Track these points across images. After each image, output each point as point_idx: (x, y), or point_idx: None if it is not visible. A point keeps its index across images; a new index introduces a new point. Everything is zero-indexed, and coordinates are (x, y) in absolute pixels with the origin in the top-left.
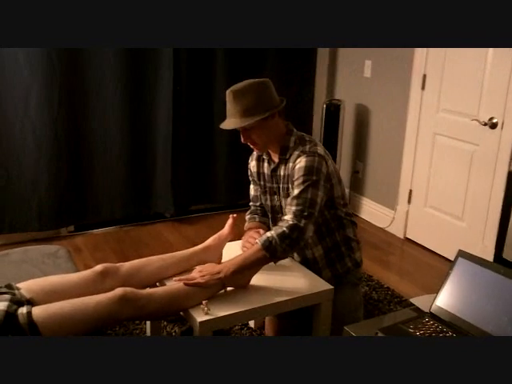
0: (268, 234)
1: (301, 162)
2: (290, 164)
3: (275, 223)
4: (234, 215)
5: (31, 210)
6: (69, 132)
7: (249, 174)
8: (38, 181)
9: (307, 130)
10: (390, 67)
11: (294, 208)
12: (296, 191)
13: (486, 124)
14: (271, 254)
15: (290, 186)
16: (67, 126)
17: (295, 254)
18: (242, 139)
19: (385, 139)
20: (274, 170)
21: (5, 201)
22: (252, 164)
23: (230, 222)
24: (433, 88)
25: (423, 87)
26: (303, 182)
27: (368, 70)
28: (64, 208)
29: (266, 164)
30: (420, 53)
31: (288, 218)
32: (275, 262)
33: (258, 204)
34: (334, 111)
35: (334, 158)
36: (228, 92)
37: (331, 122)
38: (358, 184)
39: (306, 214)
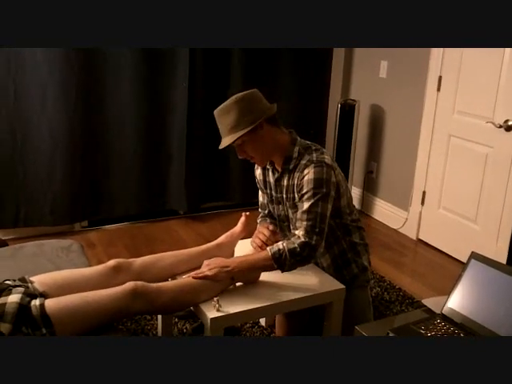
0: (280, 245)
1: (309, 174)
2: (297, 174)
3: (282, 231)
4: (247, 213)
5: (46, 204)
6: (84, 129)
7: (256, 181)
8: (53, 176)
9: (321, 130)
10: (405, 68)
11: (305, 223)
12: (306, 205)
13: (501, 126)
14: (279, 265)
15: (295, 195)
16: (83, 123)
17: None
18: (238, 155)
19: (399, 140)
20: (278, 180)
21: (20, 195)
22: (258, 172)
23: (242, 219)
24: (448, 90)
25: (439, 89)
26: (313, 196)
27: (384, 70)
28: (78, 203)
29: (270, 173)
30: (436, 54)
31: (299, 233)
32: (282, 272)
33: (266, 212)
34: (348, 111)
35: (348, 158)
36: (214, 113)
37: (346, 121)
38: (371, 184)
39: (317, 230)
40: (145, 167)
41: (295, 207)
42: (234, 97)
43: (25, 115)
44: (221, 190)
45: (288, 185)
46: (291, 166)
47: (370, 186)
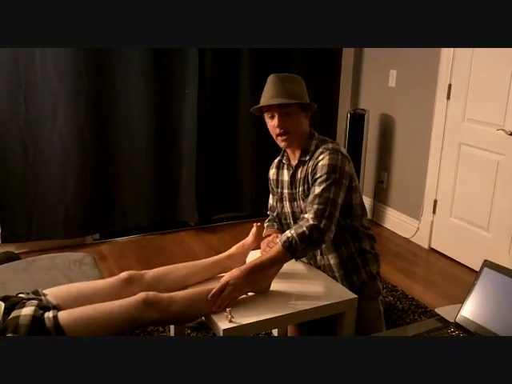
0: (288, 233)
1: (324, 160)
2: (311, 162)
3: None
4: (258, 224)
5: (58, 217)
6: (95, 140)
7: (269, 183)
8: (64, 189)
9: (331, 139)
10: (414, 77)
11: (315, 207)
12: (318, 189)
13: (511, 134)
14: (291, 253)
15: (308, 185)
16: (94, 135)
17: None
18: (277, 124)
19: (409, 149)
20: (293, 176)
21: (33, 208)
22: (272, 172)
23: (253, 230)
24: (458, 98)
25: (448, 97)
26: (326, 180)
27: (393, 79)
28: (90, 216)
29: (285, 171)
30: (445, 62)
31: (309, 216)
32: (296, 260)
33: (274, 214)
34: (358, 120)
35: (358, 167)
36: (272, 76)
37: (355, 131)
38: (382, 194)
39: (327, 214)
40: (156, 179)
41: (307, 198)
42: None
43: (36, 128)
44: (231, 202)
45: (301, 177)
46: (307, 158)
47: (381, 196)
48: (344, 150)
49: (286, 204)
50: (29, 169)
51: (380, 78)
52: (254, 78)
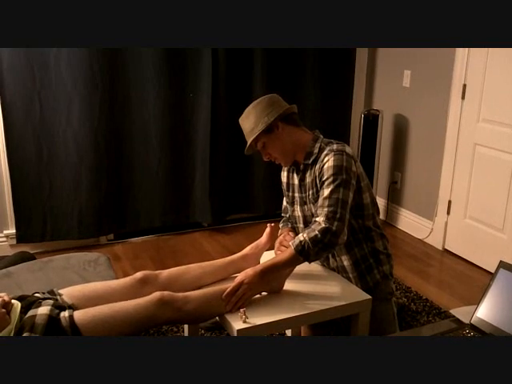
0: (301, 237)
1: (329, 161)
2: (317, 165)
3: None
4: (272, 224)
5: (72, 218)
6: (109, 142)
7: (281, 185)
8: (78, 190)
9: (345, 140)
10: (429, 77)
11: (326, 209)
12: (326, 191)
13: None
14: (304, 257)
15: (317, 188)
16: (108, 135)
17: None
18: (263, 157)
19: (424, 149)
20: (302, 180)
21: (47, 209)
22: (283, 174)
23: (267, 230)
24: (473, 98)
25: (463, 97)
26: (333, 181)
27: (407, 79)
28: (104, 217)
29: (295, 175)
30: (460, 62)
31: (320, 220)
32: (309, 263)
33: (287, 215)
34: (372, 121)
35: (372, 167)
36: (239, 120)
37: (369, 131)
38: (396, 195)
39: (338, 215)
40: (169, 180)
41: (317, 200)
42: (254, 102)
43: (50, 130)
44: (245, 202)
45: (310, 181)
46: (311, 161)
47: (395, 197)
48: (350, 150)
49: (297, 208)
50: (43, 170)
51: (394, 78)
52: (267, 78)
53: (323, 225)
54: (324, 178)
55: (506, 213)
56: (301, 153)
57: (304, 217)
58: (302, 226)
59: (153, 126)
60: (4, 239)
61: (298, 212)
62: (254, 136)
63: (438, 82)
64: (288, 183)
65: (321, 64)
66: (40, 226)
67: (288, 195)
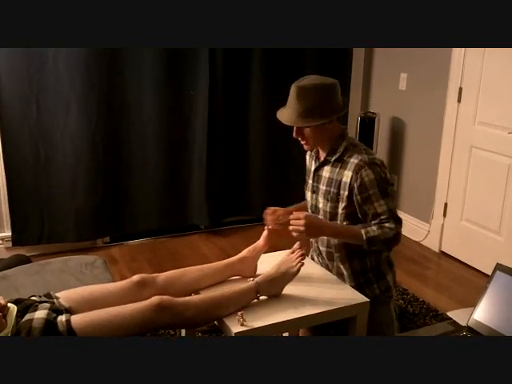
0: (376, 231)
1: (369, 175)
2: (347, 172)
3: None
4: (269, 227)
5: (69, 220)
6: (106, 144)
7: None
8: (75, 192)
9: None
10: (425, 80)
11: (390, 217)
12: (382, 204)
13: None
14: (369, 245)
15: (338, 190)
16: (105, 138)
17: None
18: (294, 134)
19: (420, 152)
20: (317, 170)
21: (44, 212)
22: (307, 158)
23: (265, 233)
24: (469, 101)
25: (459, 100)
26: (382, 193)
27: (403, 82)
28: (101, 219)
29: (313, 161)
30: (456, 65)
31: (392, 226)
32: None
33: None
34: (368, 124)
35: None
36: (293, 87)
37: (366, 134)
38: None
39: (399, 218)
40: (166, 182)
41: (330, 201)
42: (317, 80)
43: (48, 132)
44: (242, 205)
45: (329, 177)
46: (333, 159)
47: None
48: (378, 159)
49: (307, 193)
50: (40, 172)
51: (390, 81)
52: (265, 79)
53: (395, 230)
54: (370, 192)
55: (502, 215)
56: (326, 144)
57: (312, 205)
58: (309, 211)
59: (150, 128)
60: (0, 242)
61: (308, 197)
62: (310, 124)
63: (435, 85)
64: (307, 168)
65: (318, 67)
66: (36, 229)
67: (306, 180)
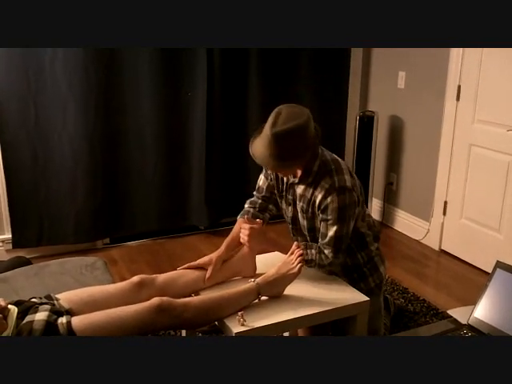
0: (313, 255)
1: (333, 203)
2: (317, 193)
3: (295, 234)
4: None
5: (68, 222)
6: (105, 146)
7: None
8: (74, 194)
9: (340, 142)
10: (424, 78)
11: (332, 245)
12: (331, 231)
13: None
14: (307, 263)
15: (312, 210)
16: (103, 139)
17: None
18: (270, 171)
19: (419, 150)
20: (293, 184)
21: (43, 214)
22: None
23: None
24: (468, 99)
25: (458, 98)
26: (339, 220)
27: (402, 81)
28: (100, 220)
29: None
30: (454, 63)
31: (329, 254)
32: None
33: (261, 195)
34: (367, 122)
35: (368, 169)
36: (270, 132)
37: (365, 133)
38: (391, 196)
39: (343, 247)
40: (165, 183)
41: (307, 219)
42: (290, 120)
43: (45, 133)
44: (241, 205)
45: (304, 195)
46: (310, 180)
47: (391, 198)
48: (348, 180)
49: (283, 203)
50: (39, 174)
51: (389, 79)
52: (263, 80)
53: (331, 259)
54: (329, 218)
55: (501, 213)
56: (302, 166)
57: (291, 217)
58: (290, 225)
59: (148, 129)
60: (0, 244)
61: (283, 206)
62: (287, 164)
63: (433, 83)
64: (277, 175)
65: (316, 66)
66: (36, 231)
67: (277, 187)
